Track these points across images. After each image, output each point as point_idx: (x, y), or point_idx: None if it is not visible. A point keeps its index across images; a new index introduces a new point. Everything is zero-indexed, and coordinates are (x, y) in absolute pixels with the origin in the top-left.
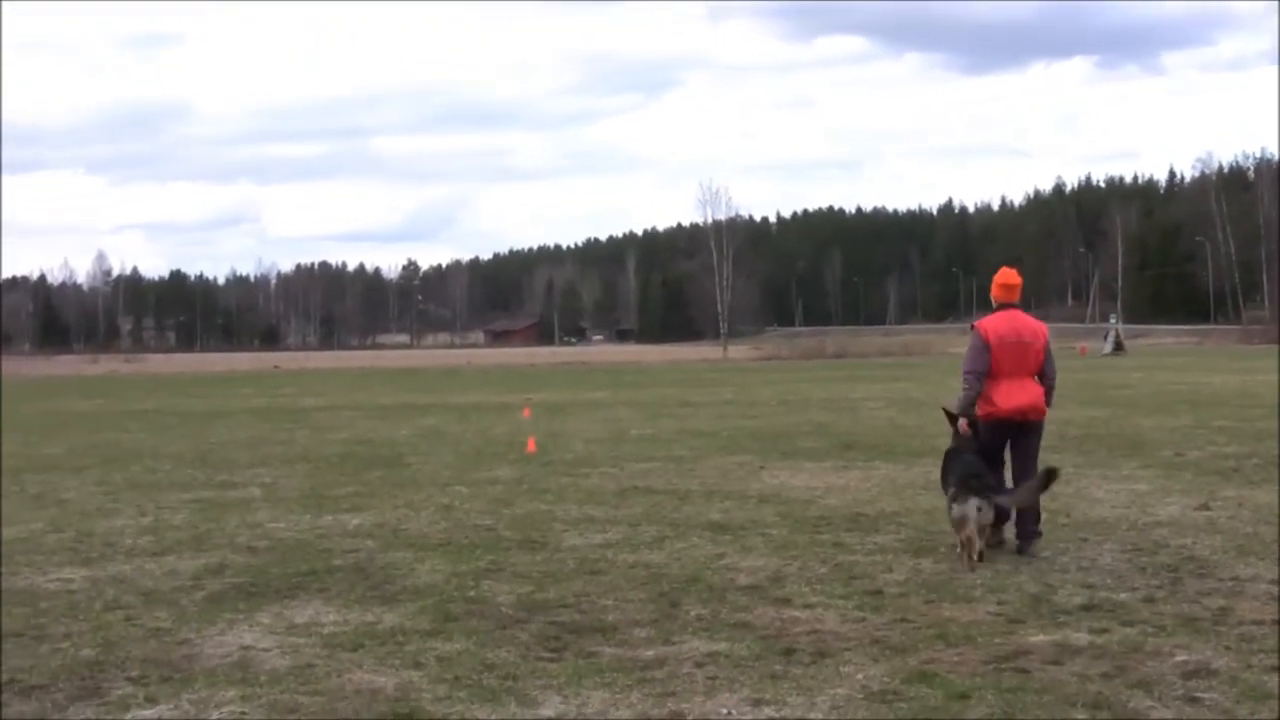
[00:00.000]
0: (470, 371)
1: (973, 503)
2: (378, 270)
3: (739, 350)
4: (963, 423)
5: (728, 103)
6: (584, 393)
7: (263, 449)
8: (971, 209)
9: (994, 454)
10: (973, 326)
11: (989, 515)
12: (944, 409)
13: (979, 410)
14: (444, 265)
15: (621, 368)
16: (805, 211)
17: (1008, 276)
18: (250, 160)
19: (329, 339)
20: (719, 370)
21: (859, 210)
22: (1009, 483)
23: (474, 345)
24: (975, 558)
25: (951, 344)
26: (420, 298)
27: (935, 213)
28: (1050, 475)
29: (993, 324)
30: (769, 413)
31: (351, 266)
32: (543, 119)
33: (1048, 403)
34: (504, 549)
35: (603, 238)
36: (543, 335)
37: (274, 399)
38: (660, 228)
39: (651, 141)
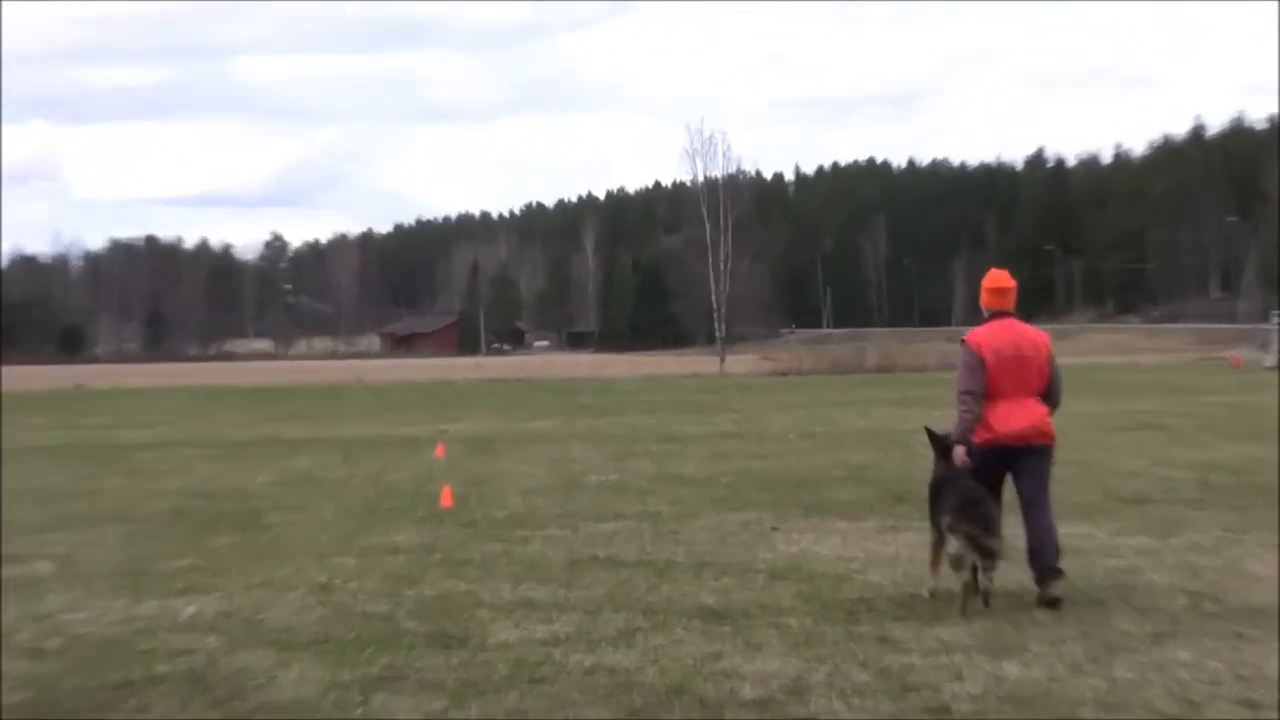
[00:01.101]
0: (361, 391)
1: (968, 533)
2: (230, 249)
3: (742, 361)
4: (959, 452)
5: (725, 14)
6: (522, 421)
7: (58, 505)
8: (1072, 161)
9: (992, 487)
10: (963, 340)
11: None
12: (927, 429)
13: (974, 437)
14: (324, 241)
15: (576, 386)
16: (836, 166)
17: (999, 280)
18: (49, 90)
19: (157, 345)
20: (714, 389)
21: (912, 164)
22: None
23: (366, 354)
24: (972, 601)
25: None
26: (290, 287)
27: (1020, 167)
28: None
29: (986, 336)
30: (785, 450)
31: (191, 242)
32: (468, 35)
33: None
34: (406, 647)
35: (550, 203)
36: (464, 340)
37: (76, 431)
38: (631, 189)
39: (619, 68)
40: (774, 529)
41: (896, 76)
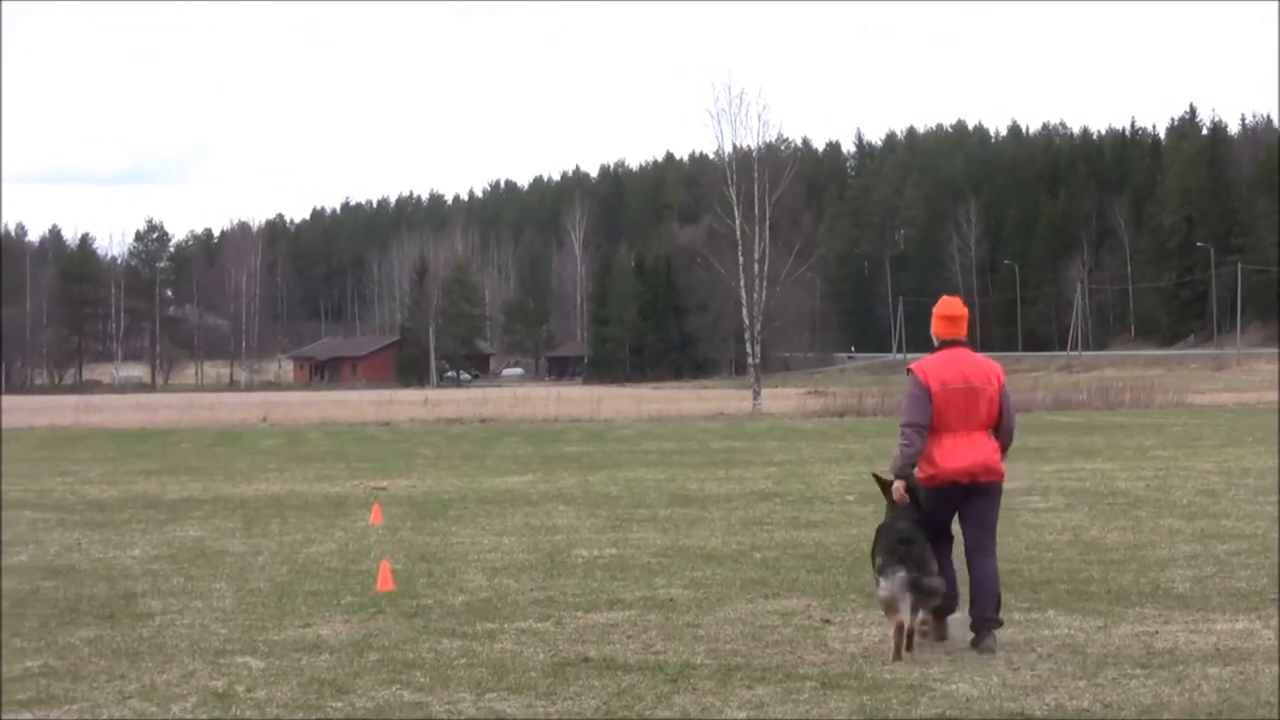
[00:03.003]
0: (269, 435)
1: (902, 576)
2: (88, 240)
3: (784, 397)
4: (898, 486)
5: None
6: (487, 476)
7: None
8: (1235, 127)
9: (940, 526)
10: (908, 369)
11: (933, 589)
12: (875, 475)
13: (918, 473)
14: (219, 231)
15: (560, 429)
16: (912, 133)
17: (950, 307)
18: None
19: None
20: (745, 434)
21: (1016, 131)
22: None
23: (276, 384)
24: (906, 646)
25: (1193, 384)
26: (171, 294)
27: (1163, 134)
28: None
29: (933, 365)
30: (841, 516)
31: (36, 234)
32: None
33: (1002, 459)
34: None
35: (523, 181)
36: (407, 367)
37: None
38: (633, 162)
39: None
40: (826, 621)
41: None
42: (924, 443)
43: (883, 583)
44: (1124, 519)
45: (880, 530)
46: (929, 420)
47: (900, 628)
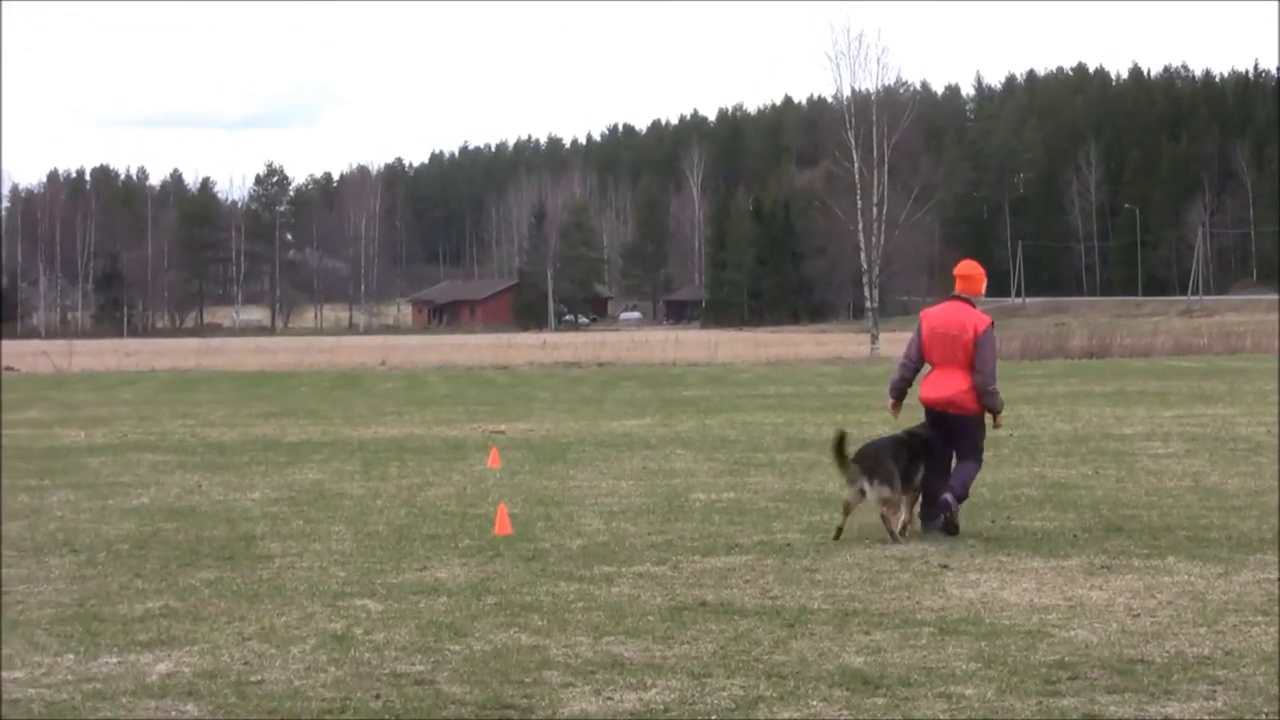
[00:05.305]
0: (388, 378)
1: (861, 485)
2: (208, 184)
3: (901, 340)
4: (890, 403)
5: None
6: (605, 420)
7: None
8: None
9: (936, 442)
10: (921, 312)
11: (881, 492)
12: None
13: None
14: (338, 175)
15: (678, 373)
16: (1032, 76)
17: (966, 268)
18: None
19: (111, 314)
20: (864, 378)
21: (1137, 74)
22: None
23: (394, 328)
24: (897, 536)
25: None
26: (291, 237)
27: None
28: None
29: (933, 313)
30: None
31: (157, 177)
32: None
33: (990, 399)
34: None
35: (641, 124)
36: (525, 310)
37: (6, 430)
38: (750, 106)
39: None
40: (944, 566)
41: None
42: (908, 374)
43: (850, 489)
44: (1245, 465)
45: (858, 451)
46: (917, 358)
47: (847, 511)
